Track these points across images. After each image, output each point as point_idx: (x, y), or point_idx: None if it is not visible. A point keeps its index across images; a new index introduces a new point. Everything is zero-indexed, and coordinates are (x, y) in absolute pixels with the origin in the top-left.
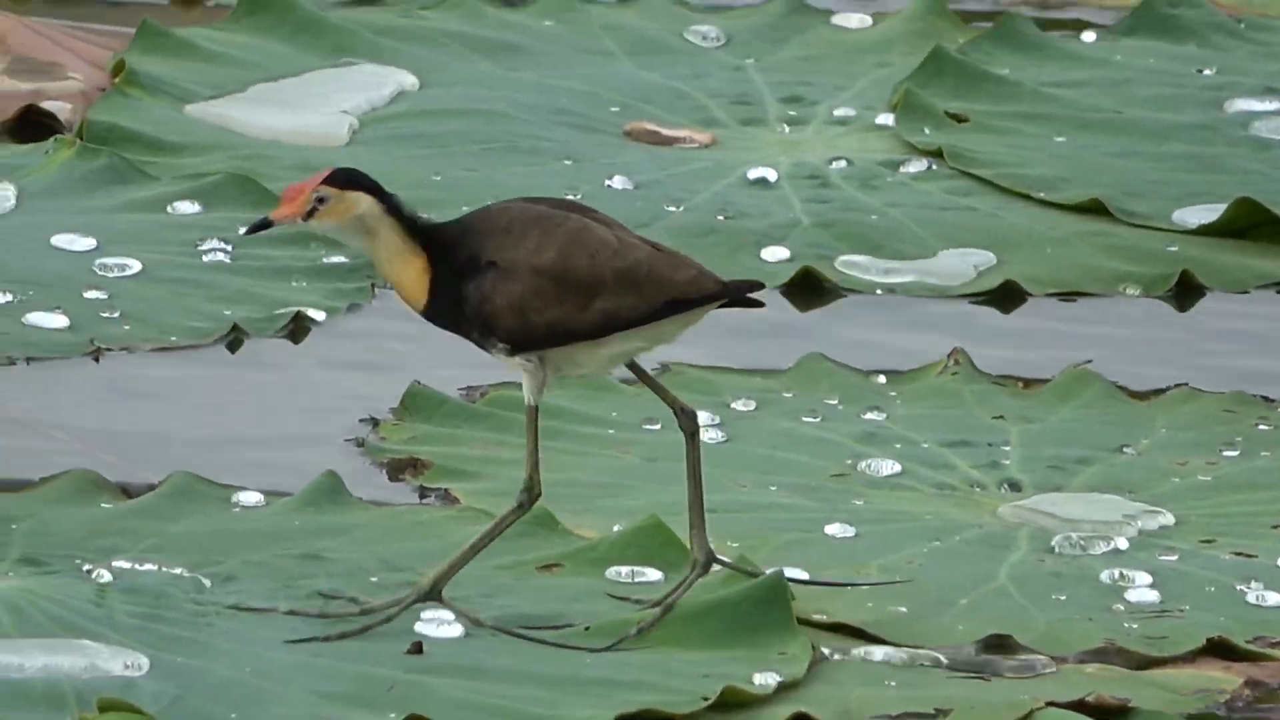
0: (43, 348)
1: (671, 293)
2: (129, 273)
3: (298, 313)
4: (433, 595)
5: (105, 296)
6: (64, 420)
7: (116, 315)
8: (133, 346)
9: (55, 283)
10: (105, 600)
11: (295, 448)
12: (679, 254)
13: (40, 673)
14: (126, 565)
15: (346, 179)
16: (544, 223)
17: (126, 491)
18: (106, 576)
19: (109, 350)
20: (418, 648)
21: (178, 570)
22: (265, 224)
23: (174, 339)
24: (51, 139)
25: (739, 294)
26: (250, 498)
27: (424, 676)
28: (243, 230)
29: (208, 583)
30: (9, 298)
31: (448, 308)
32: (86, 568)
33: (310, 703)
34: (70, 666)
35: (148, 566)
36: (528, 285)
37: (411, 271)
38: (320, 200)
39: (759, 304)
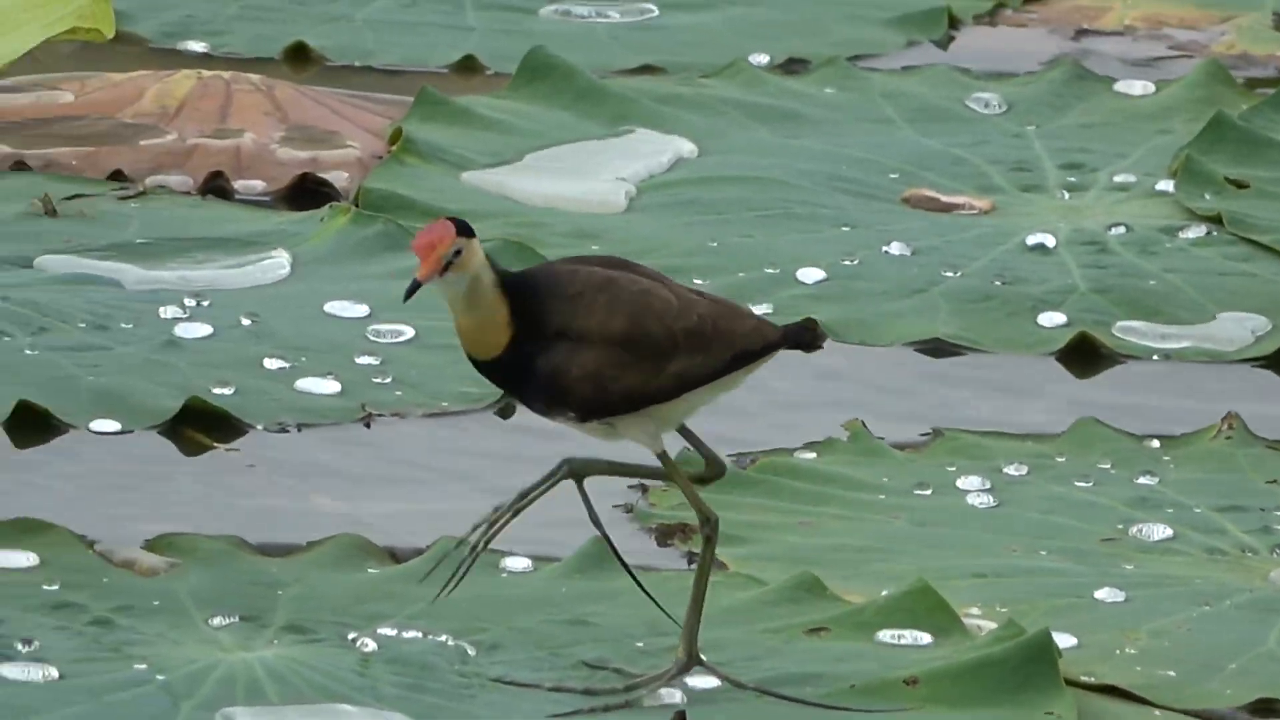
0: (314, 413)
1: (738, 346)
2: (402, 339)
3: None
4: (692, 663)
5: (377, 362)
6: (333, 485)
7: (388, 381)
8: (404, 412)
9: (328, 349)
10: (369, 670)
11: (564, 513)
12: (730, 301)
13: None
14: (391, 632)
15: (468, 227)
16: (610, 288)
17: (394, 556)
18: (371, 645)
19: (380, 415)
20: (681, 717)
21: (443, 638)
22: (416, 287)
23: (445, 404)
24: (327, 206)
25: (799, 339)
26: (518, 563)
27: None
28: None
29: (472, 651)
30: (282, 364)
31: (516, 369)
32: (351, 635)
33: None
34: None
35: (412, 634)
36: (602, 356)
37: (499, 320)
38: (456, 253)
39: (818, 346)
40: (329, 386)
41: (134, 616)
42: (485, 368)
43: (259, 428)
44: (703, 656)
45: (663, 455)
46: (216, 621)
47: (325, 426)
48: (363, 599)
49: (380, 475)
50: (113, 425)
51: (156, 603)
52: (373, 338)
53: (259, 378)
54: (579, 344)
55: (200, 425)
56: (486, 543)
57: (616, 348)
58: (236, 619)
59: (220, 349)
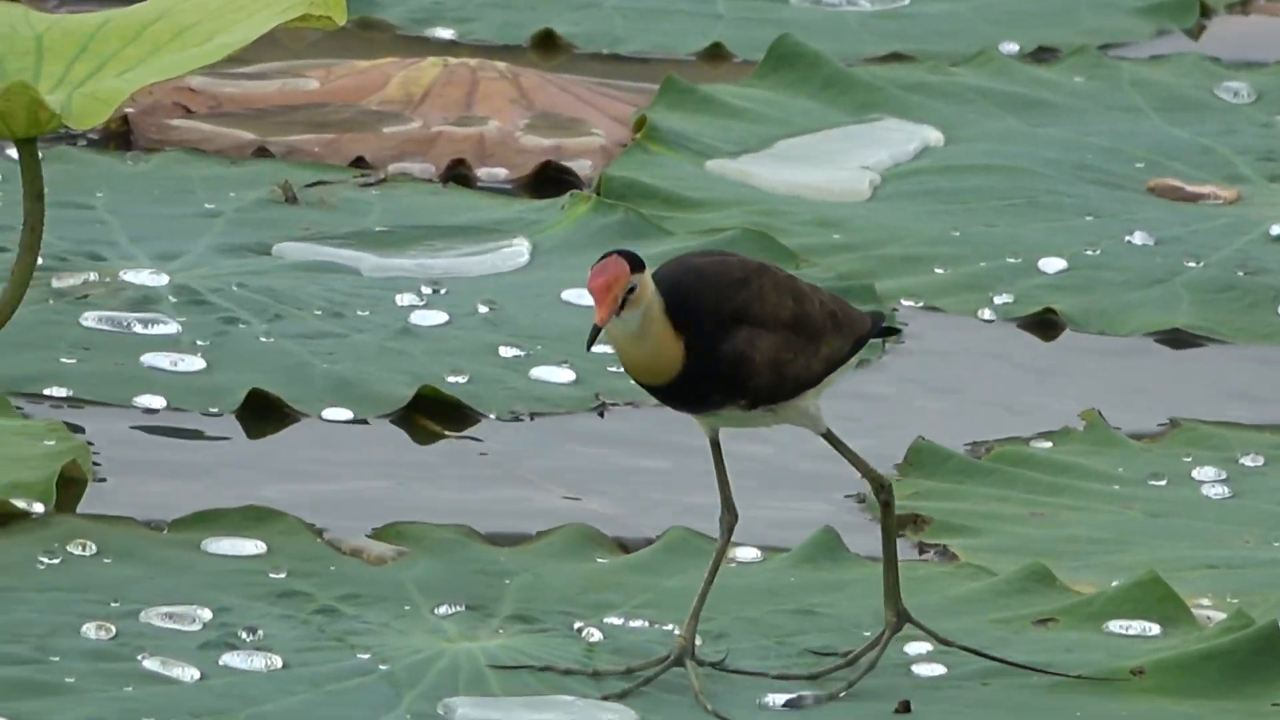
0: (547, 402)
1: (859, 329)
2: None
3: None
4: (903, 621)
5: (613, 351)
6: (564, 475)
7: (623, 370)
8: (638, 401)
9: (563, 337)
10: (593, 660)
11: (795, 503)
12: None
13: None
14: (618, 622)
15: (639, 261)
16: (768, 274)
17: (623, 546)
18: (597, 636)
19: (613, 405)
20: (905, 706)
21: (669, 627)
22: (596, 332)
23: None
24: (567, 194)
25: (880, 327)
26: (747, 553)
27: None
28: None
29: (698, 640)
30: (518, 352)
31: (697, 375)
32: (577, 625)
33: None
34: None
35: (638, 623)
36: (778, 340)
37: (671, 340)
38: (630, 290)
39: (898, 332)
40: (564, 375)
41: (360, 605)
42: (668, 389)
43: (491, 416)
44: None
45: (828, 433)
46: (442, 611)
47: (558, 416)
48: (590, 589)
49: (612, 465)
50: (345, 413)
51: (383, 592)
52: None
53: (494, 366)
54: (756, 329)
55: (433, 414)
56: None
57: (788, 331)
58: (462, 608)
59: (456, 337)
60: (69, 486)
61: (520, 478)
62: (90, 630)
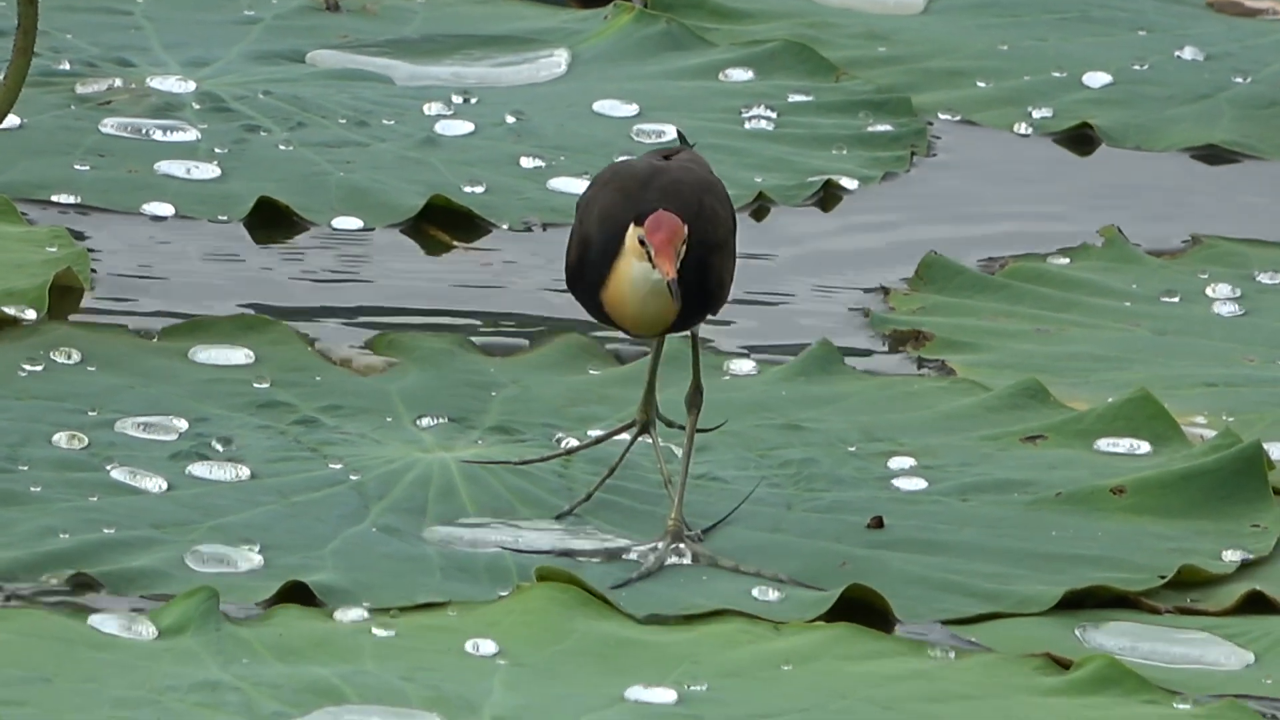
0: (562, 212)
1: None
2: (665, 138)
3: (828, 181)
4: (679, 536)
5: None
6: (560, 284)
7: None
8: None
9: (587, 148)
10: (568, 470)
11: (798, 317)
12: None
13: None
14: (600, 433)
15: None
16: (712, 189)
17: (619, 358)
18: (573, 443)
19: None
20: (878, 522)
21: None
22: (674, 285)
23: None
24: (611, 4)
25: None
26: (743, 366)
27: (879, 551)
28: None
29: (679, 452)
30: (538, 163)
31: (686, 310)
32: (557, 436)
33: (757, 578)
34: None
35: (623, 436)
36: (727, 254)
37: (668, 301)
38: (684, 243)
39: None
40: (582, 186)
41: (340, 416)
42: (666, 329)
43: (503, 227)
44: (688, 531)
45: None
46: (424, 422)
47: (569, 226)
48: (577, 401)
49: None
50: (355, 223)
51: (366, 403)
52: (636, 137)
53: (512, 176)
54: (718, 252)
55: (443, 223)
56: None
57: (729, 243)
58: (445, 419)
59: (478, 146)
60: (65, 294)
61: (523, 289)
62: (62, 439)
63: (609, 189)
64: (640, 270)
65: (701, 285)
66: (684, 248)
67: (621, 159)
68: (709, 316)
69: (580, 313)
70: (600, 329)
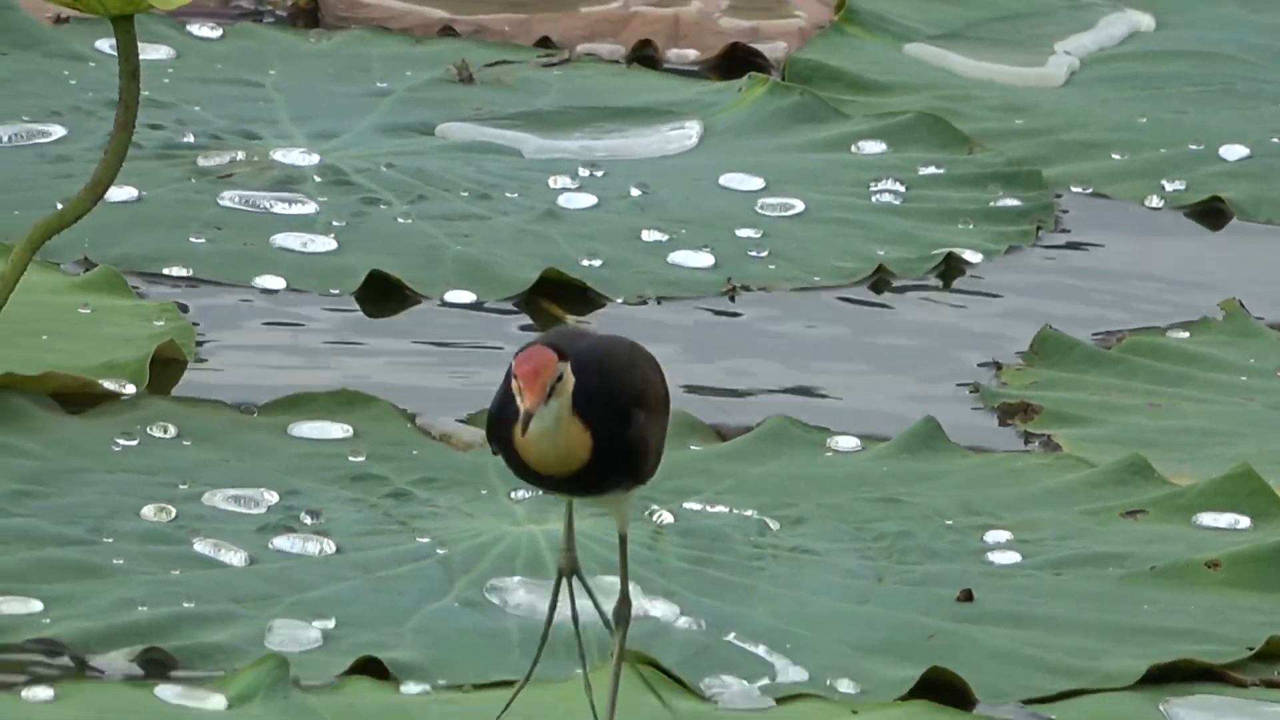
0: (679, 286)
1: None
2: (790, 212)
3: (950, 254)
4: None
5: (758, 235)
6: (676, 360)
7: (764, 255)
8: (770, 286)
9: (711, 222)
10: (658, 542)
11: (908, 391)
12: None
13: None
14: (696, 507)
15: (562, 351)
16: (640, 353)
17: (720, 434)
18: (667, 518)
19: (745, 289)
20: (968, 595)
21: (748, 513)
22: (528, 418)
23: (817, 279)
24: (746, 76)
25: None
26: (846, 443)
27: (967, 625)
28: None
29: (774, 525)
30: (660, 236)
31: (601, 463)
32: (652, 509)
33: (840, 653)
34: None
35: (719, 509)
36: (659, 421)
37: (579, 431)
38: (559, 379)
39: None
40: (702, 260)
41: (433, 489)
42: (573, 480)
43: (619, 300)
44: None
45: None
46: (519, 495)
47: (687, 300)
48: (675, 474)
49: (730, 349)
50: (468, 296)
51: (462, 476)
52: (760, 211)
53: (632, 250)
54: (648, 413)
55: (559, 297)
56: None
57: (661, 410)
58: (539, 492)
59: (600, 220)
60: (168, 368)
61: None
62: (149, 512)
63: (538, 342)
64: (545, 408)
65: (619, 434)
66: (558, 384)
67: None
68: (633, 487)
69: (688, 392)
70: (705, 407)
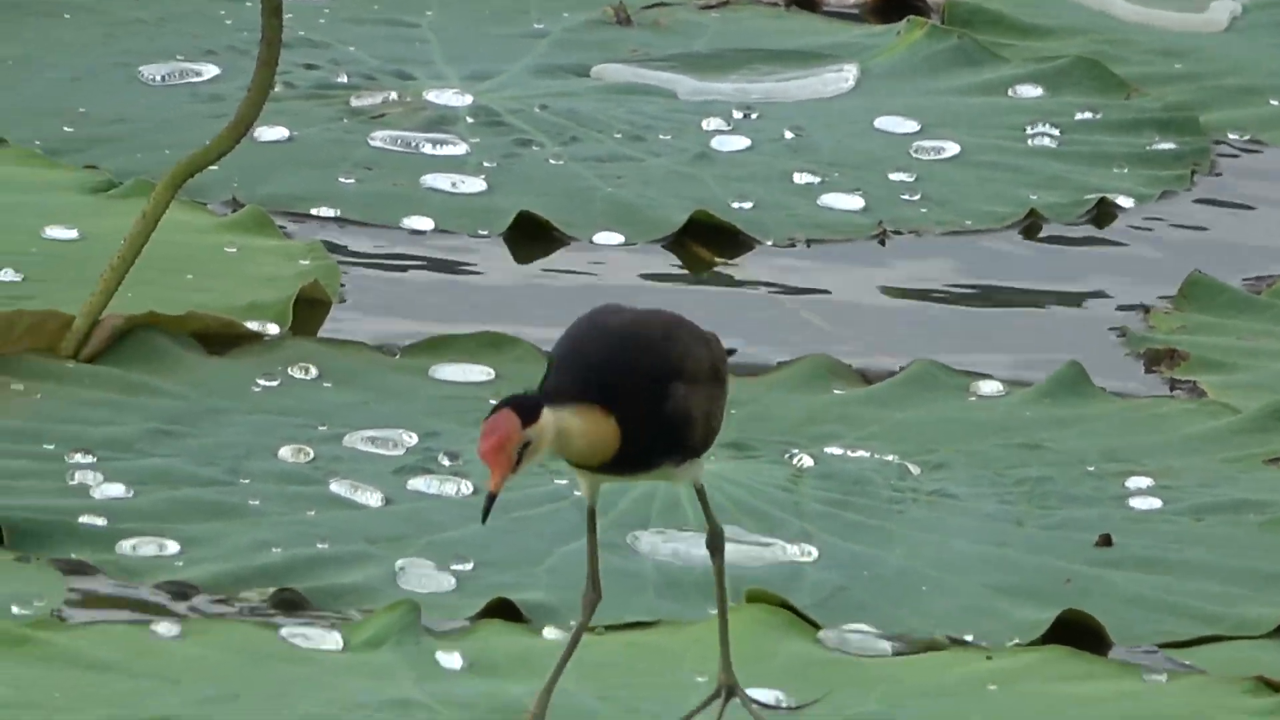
0: (828, 229)
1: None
2: (943, 155)
3: (1103, 199)
4: (732, 694)
5: (911, 179)
6: (824, 303)
7: (916, 198)
8: (921, 230)
9: (864, 165)
10: (797, 486)
11: (1054, 336)
12: None
13: (704, 559)
14: (837, 452)
15: (528, 410)
16: (684, 325)
17: (865, 378)
18: (808, 462)
19: (896, 233)
20: (1107, 540)
21: (889, 458)
22: (492, 500)
23: (968, 223)
24: (904, 20)
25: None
26: (990, 387)
27: (1105, 570)
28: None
29: (915, 470)
30: (812, 179)
31: (637, 443)
32: (792, 453)
33: (978, 595)
34: (733, 552)
35: (860, 454)
36: (707, 392)
37: (604, 429)
38: (525, 445)
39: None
40: (853, 202)
41: None
42: (610, 466)
43: (768, 243)
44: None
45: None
46: None
47: (836, 243)
48: (817, 419)
49: (877, 293)
50: (616, 238)
51: None
52: (914, 154)
53: (783, 192)
54: (688, 385)
55: (707, 240)
56: None
57: (711, 382)
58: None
59: (752, 162)
60: (312, 309)
61: (780, 305)
62: (287, 453)
63: (567, 334)
64: (521, 472)
65: (652, 413)
66: (527, 451)
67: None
68: (686, 459)
69: (831, 337)
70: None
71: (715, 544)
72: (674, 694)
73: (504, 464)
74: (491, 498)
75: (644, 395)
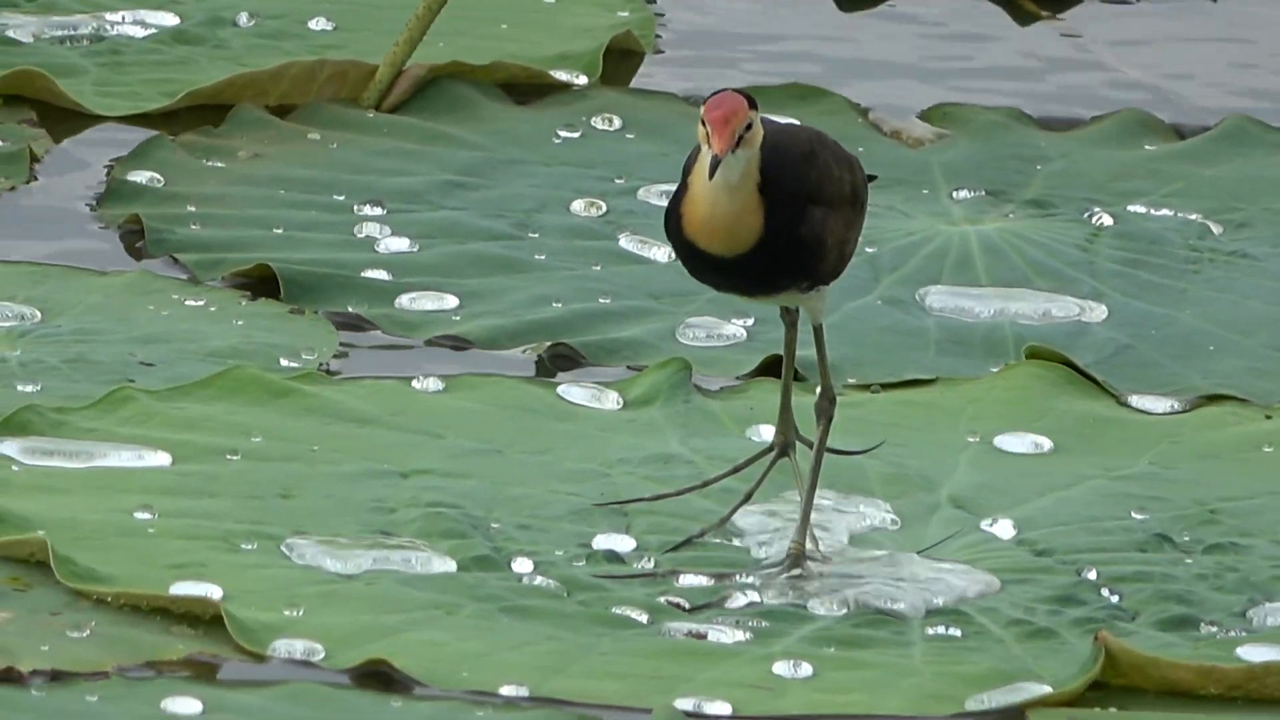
0: None
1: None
2: None
3: None
4: (800, 561)
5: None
6: (1150, 57)
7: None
8: None
9: None
10: (1093, 245)
11: None
12: None
13: (991, 317)
14: (1140, 210)
15: (754, 101)
16: (825, 146)
17: (1179, 133)
18: (1107, 221)
19: None
20: None
21: (1192, 216)
22: (716, 163)
23: None
24: None
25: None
26: None
27: None
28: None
29: (1217, 229)
30: None
31: (769, 254)
32: (1093, 211)
33: (1265, 357)
34: (1019, 310)
35: (1162, 211)
36: (842, 219)
37: (755, 207)
38: (748, 127)
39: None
40: None
41: (873, 189)
42: (727, 266)
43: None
44: (809, 561)
45: (821, 326)
46: (959, 195)
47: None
48: (1124, 175)
49: (1204, 47)
50: None
51: (906, 175)
52: None
53: None
54: (827, 210)
55: None
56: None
57: (847, 208)
58: (982, 192)
59: None
60: (625, 60)
61: (1102, 62)
62: (579, 206)
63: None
64: (705, 157)
65: (792, 222)
66: (747, 132)
67: None
68: (813, 287)
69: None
70: None
71: (825, 409)
72: (942, 452)
73: (729, 136)
74: (717, 160)
75: (788, 204)
